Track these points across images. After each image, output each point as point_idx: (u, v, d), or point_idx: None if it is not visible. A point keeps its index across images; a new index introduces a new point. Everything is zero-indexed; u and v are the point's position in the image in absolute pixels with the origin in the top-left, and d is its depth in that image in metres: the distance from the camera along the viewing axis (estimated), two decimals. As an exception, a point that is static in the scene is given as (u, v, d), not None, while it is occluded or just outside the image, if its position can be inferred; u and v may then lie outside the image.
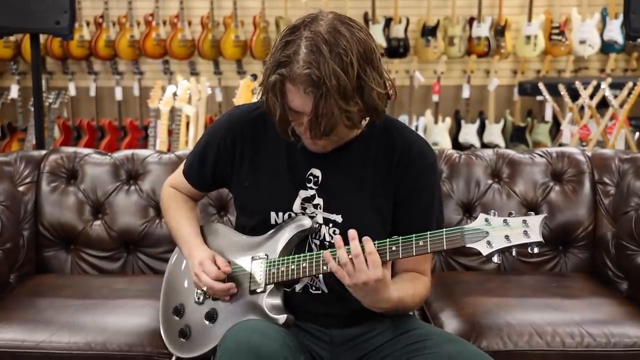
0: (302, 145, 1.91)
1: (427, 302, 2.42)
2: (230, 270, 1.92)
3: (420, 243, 1.70)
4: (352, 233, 1.71)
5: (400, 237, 1.72)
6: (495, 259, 1.65)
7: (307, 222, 1.88)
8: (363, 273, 1.70)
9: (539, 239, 1.63)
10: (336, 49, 1.66)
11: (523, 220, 1.65)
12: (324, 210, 1.90)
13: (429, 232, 1.70)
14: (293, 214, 1.92)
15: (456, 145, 6.35)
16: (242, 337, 1.72)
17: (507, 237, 1.64)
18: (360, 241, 1.71)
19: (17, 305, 2.33)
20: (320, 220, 1.90)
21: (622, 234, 2.55)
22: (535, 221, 1.64)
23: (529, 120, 6.35)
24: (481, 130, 6.41)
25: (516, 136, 6.34)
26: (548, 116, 6.06)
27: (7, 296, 2.43)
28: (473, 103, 6.50)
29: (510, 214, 1.68)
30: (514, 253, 1.66)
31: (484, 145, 6.30)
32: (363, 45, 1.70)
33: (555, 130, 6.06)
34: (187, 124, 4.97)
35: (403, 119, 6.39)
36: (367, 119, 1.80)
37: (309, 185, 1.91)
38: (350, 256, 1.70)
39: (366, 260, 1.69)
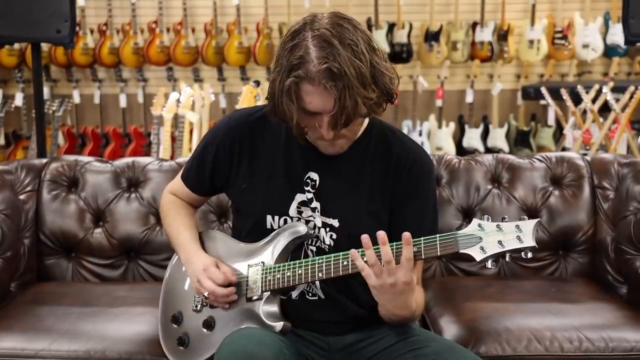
0: (301, 149, 1.92)
1: (426, 308, 2.42)
2: (235, 279, 1.92)
3: (415, 249, 1.70)
4: (382, 237, 1.69)
5: (395, 243, 1.71)
6: (489, 264, 1.65)
7: (302, 229, 1.89)
8: (392, 275, 1.70)
9: (532, 243, 1.62)
10: (345, 41, 1.69)
11: (516, 225, 1.65)
12: (321, 214, 1.91)
13: (422, 238, 1.70)
14: (289, 219, 1.92)
15: (460, 149, 6.35)
16: (237, 346, 1.72)
17: (500, 242, 1.64)
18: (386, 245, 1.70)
19: (17, 313, 2.34)
20: (319, 224, 1.91)
21: (622, 238, 2.56)
22: (528, 226, 1.64)
23: (533, 125, 6.35)
24: (485, 135, 6.41)
25: (520, 140, 6.34)
26: (551, 120, 6.05)
27: (8, 304, 2.44)
28: (477, 108, 6.50)
29: (503, 219, 1.67)
30: (507, 258, 1.66)
31: (488, 150, 6.30)
32: (366, 35, 1.74)
33: (559, 134, 6.05)
34: (191, 130, 4.98)
35: (407, 124, 6.40)
36: (385, 105, 1.80)
37: (306, 188, 1.92)
38: (380, 260, 1.69)
39: (398, 263, 1.69)
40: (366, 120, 1.92)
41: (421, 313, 2.01)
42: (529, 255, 1.64)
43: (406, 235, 1.68)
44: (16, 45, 6.21)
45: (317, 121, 1.76)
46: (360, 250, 1.73)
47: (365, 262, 1.71)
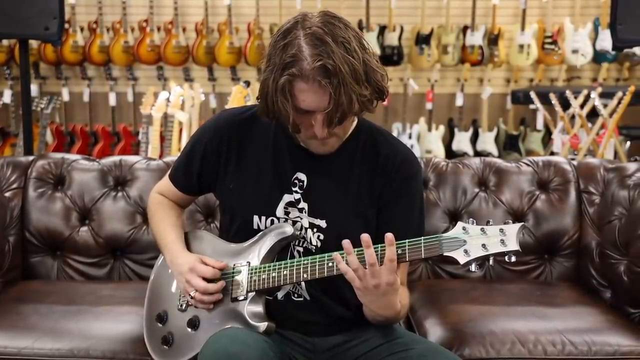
0: (289, 149, 1.93)
1: (411, 310, 2.43)
2: (225, 264, 1.91)
3: (399, 251, 1.70)
4: (367, 240, 1.69)
5: (379, 246, 1.71)
6: (472, 267, 1.66)
7: (288, 230, 1.89)
8: (376, 277, 1.70)
9: (516, 247, 1.63)
10: (338, 38, 1.69)
11: (500, 229, 1.65)
12: (309, 215, 1.91)
13: (407, 241, 1.71)
14: (276, 219, 1.92)
15: (449, 153, 6.36)
16: (220, 346, 1.71)
17: (484, 245, 1.65)
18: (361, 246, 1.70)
19: (1, 311, 2.32)
20: (306, 225, 1.91)
21: (606, 242, 2.56)
22: (512, 230, 1.64)
23: (522, 129, 6.36)
24: (474, 139, 6.42)
25: (509, 144, 6.36)
26: (539, 125, 6.08)
27: (-8, 302, 2.43)
28: (466, 111, 6.51)
29: (487, 222, 1.68)
30: (491, 262, 1.67)
31: (478, 154, 6.31)
32: (357, 33, 1.75)
33: (548, 138, 6.07)
34: (181, 130, 4.98)
35: (397, 126, 6.41)
36: (376, 102, 1.80)
37: (294, 189, 1.92)
38: (364, 263, 1.69)
39: (382, 264, 1.69)
40: (355, 121, 1.92)
41: (406, 314, 2.02)
42: (513, 259, 1.64)
43: (389, 236, 1.68)
44: (5, 42, 6.18)
45: (310, 120, 1.76)
46: (341, 252, 1.73)
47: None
